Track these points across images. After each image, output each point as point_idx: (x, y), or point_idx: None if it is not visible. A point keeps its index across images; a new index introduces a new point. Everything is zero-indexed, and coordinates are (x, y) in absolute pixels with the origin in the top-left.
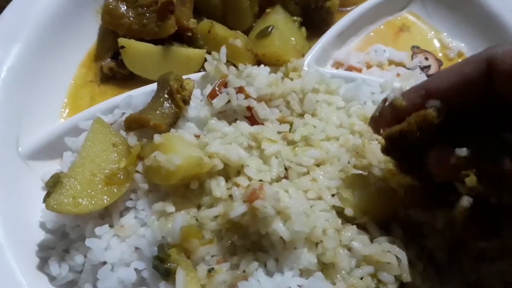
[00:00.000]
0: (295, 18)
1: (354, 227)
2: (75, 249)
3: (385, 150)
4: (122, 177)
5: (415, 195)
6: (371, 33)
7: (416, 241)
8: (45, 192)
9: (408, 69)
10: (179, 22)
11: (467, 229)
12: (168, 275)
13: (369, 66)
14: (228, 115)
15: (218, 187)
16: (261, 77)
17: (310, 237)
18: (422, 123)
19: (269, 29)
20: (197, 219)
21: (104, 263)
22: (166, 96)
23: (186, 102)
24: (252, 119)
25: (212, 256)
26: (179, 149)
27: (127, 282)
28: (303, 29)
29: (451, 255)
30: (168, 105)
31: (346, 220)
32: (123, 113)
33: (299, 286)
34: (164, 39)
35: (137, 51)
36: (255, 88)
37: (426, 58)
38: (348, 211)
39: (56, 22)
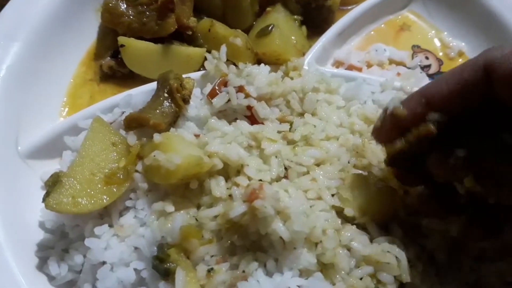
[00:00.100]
0: (295, 17)
1: (354, 227)
2: (74, 249)
3: (388, 164)
4: (121, 177)
5: (426, 204)
6: (372, 32)
7: (416, 241)
8: (44, 192)
9: (409, 68)
10: (179, 20)
11: (469, 229)
12: (167, 275)
13: (369, 65)
14: (228, 114)
15: (218, 186)
16: (261, 76)
17: (309, 237)
18: (423, 140)
19: (270, 28)
20: (196, 219)
21: (104, 263)
22: (166, 95)
23: (186, 101)
24: (252, 119)
25: (212, 256)
26: (178, 149)
27: (127, 282)
28: (304, 28)
29: (451, 255)
30: (168, 104)
31: (346, 220)
32: (123, 112)
33: (298, 286)
34: (164, 38)
35: (137, 49)
36: (255, 87)
37: (427, 58)
38: (348, 211)
39: (55, 21)
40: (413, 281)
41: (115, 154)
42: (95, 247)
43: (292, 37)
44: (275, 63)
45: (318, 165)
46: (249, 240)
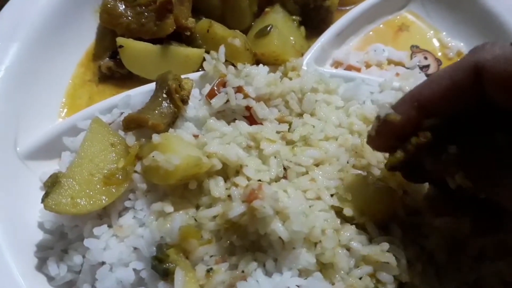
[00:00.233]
0: (294, 17)
1: (353, 227)
2: (73, 249)
3: (389, 170)
4: (120, 177)
5: (437, 204)
6: (370, 33)
7: (415, 241)
8: (43, 192)
9: (408, 68)
10: (178, 21)
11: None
12: (166, 275)
13: (368, 66)
14: (226, 114)
15: (217, 187)
16: (260, 76)
17: (309, 237)
18: (421, 147)
19: (268, 28)
20: (195, 219)
21: (103, 263)
22: (164, 95)
23: (185, 101)
24: (251, 119)
25: (211, 256)
26: (177, 149)
27: (126, 282)
28: (302, 28)
29: (451, 255)
30: (166, 104)
31: (345, 220)
32: (122, 113)
33: (298, 286)
34: (163, 39)
35: (136, 50)
36: (254, 87)
37: (425, 58)
38: (347, 211)
39: (54, 21)
40: (412, 281)
41: (114, 155)
42: (94, 247)
43: (291, 38)
44: (273, 63)
45: (317, 165)
46: (248, 240)
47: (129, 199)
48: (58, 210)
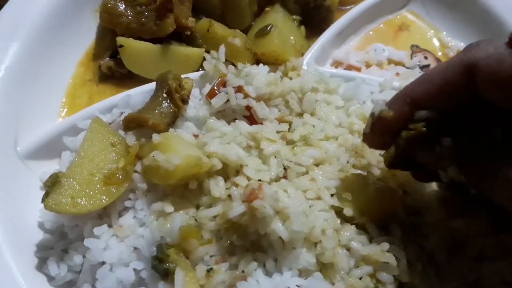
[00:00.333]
0: (294, 17)
1: (353, 227)
2: (73, 249)
3: (389, 168)
4: (120, 177)
5: (453, 205)
6: (371, 32)
7: (415, 241)
8: (43, 192)
9: (408, 68)
10: (178, 20)
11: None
12: (167, 275)
13: (368, 65)
14: (227, 114)
15: (217, 187)
16: (260, 76)
17: (309, 237)
18: (411, 140)
19: (268, 28)
20: (196, 219)
21: (103, 263)
22: (164, 95)
23: (185, 101)
24: (251, 119)
25: (211, 256)
26: (177, 149)
27: (126, 282)
28: (302, 28)
29: (451, 255)
30: (166, 104)
31: (345, 220)
32: (122, 113)
33: (298, 286)
34: (163, 38)
35: (136, 50)
36: (254, 87)
37: (426, 57)
38: (347, 211)
39: (54, 21)
40: (412, 281)
41: (114, 155)
42: (94, 247)
43: (291, 37)
44: (274, 63)
45: (317, 165)
46: (249, 240)
47: (129, 199)
48: (58, 210)
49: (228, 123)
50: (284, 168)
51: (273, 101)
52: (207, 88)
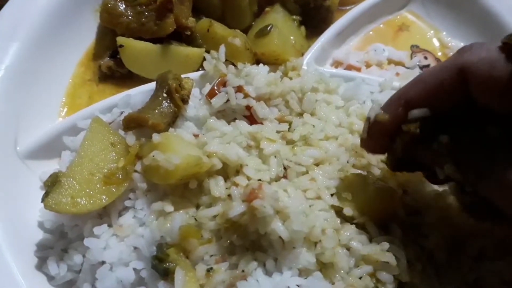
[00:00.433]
0: (294, 17)
1: (353, 226)
2: (73, 249)
3: (394, 171)
4: (120, 177)
5: (477, 210)
6: (371, 32)
7: (415, 241)
8: (43, 192)
9: (408, 68)
10: (178, 20)
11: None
12: (166, 274)
13: (368, 65)
14: (227, 114)
15: (217, 186)
16: (260, 76)
17: (309, 236)
18: (407, 144)
19: (268, 28)
20: (196, 219)
21: (103, 262)
22: (164, 95)
23: (185, 101)
24: (251, 119)
25: (211, 255)
26: (177, 149)
27: (126, 281)
28: (303, 28)
29: (451, 255)
30: (166, 104)
31: (345, 219)
32: (122, 112)
33: (298, 285)
34: (163, 38)
35: (136, 50)
36: (254, 87)
37: (426, 57)
38: (347, 211)
39: (54, 21)
40: (412, 281)
41: (114, 154)
42: (94, 247)
43: (291, 37)
44: (274, 63)
45: (317, 165)
46: (248, 239)
47: (129, 199)
48: (58, 209)
49: (228, 123)
50: (284, 168)
51: (273, 101)
52: (207, 88)
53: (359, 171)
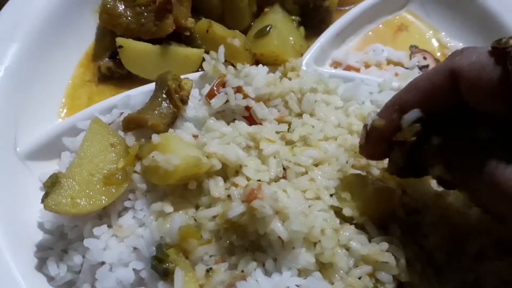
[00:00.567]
0: (293, 17)
1: (352, 227)
2: (73, 249)
3: (401, 177)
4: (120, 177)
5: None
6: (370, 33)
7: (414, 241)
8: (43, 193)
9: (407, 68)
10: (177, 21)
11: None
12: (166, 275)
13: (367, 66)
14: (226, 115)
15: (217, 187)
16: (259, 76)
17: (308, 237)
18: (407, 149)
19: (268, 28)
20: (195, 219)
21: (103, 263)
22: (164, 96)
23: (184, 102)
24: (251, 119)
25: (211, 256)
26: (177, 149)
27: (126, 282)
28: (302, 28)
29: (450, 255)
30: (166, 105)
31: (344, 220)
32: (121, 113)
33: (297, 286)
34: (162, 39)
35: (135, 50)
36: (253, 87)
37: (425, 58)
38: (346, 211)
39: (54, 22)
40: (411, 281)
41: (113, 155)
42: (94, 247)
43: (290, 38)
44: (273, 63)
45: (316, 165)
46: (248, 240)
47: (129, 199)
48: (58, 210)
49: (228, 123)
50: (284, 168)
51: (273, 101)
52: (207, 88)
53: (358, 172)
